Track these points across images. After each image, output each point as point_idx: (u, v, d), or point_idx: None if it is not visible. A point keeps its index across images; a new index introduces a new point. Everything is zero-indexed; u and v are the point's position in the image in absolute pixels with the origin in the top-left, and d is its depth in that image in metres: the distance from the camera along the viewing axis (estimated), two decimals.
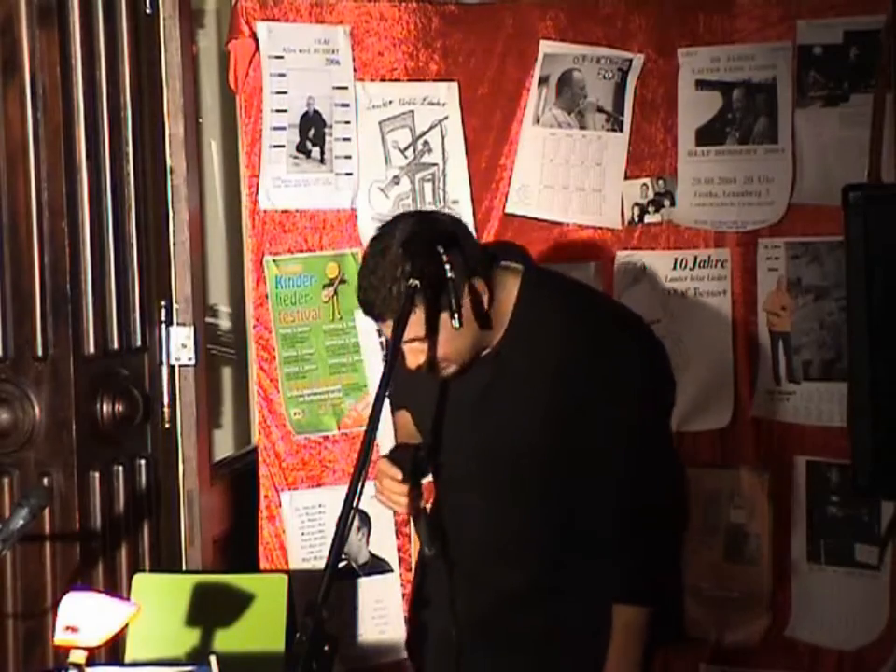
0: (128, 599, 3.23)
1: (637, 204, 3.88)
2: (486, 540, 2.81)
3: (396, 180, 3.83)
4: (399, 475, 2.68)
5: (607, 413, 2.69)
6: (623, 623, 2.75)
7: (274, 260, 3.73)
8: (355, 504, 2.41)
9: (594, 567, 2.75)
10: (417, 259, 2.58)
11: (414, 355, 2.66)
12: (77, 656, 2.24)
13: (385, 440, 3.77)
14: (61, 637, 2.26)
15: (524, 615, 2.80)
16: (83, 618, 2.25)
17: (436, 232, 2.64)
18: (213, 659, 2.50)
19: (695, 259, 3.85)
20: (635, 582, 2.76)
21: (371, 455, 2.48)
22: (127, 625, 3.05)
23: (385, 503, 2.73)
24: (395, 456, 2.74)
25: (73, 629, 2.24)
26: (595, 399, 2.68)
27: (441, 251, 2.59)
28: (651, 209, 3.88)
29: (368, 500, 3.66)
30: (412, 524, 3.00)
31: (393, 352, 2.58)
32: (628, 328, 2.81)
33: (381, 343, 3.78)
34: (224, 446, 4.45)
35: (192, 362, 3.64)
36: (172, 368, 3.63)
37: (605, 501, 2.72)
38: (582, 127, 3.89)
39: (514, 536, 2.79)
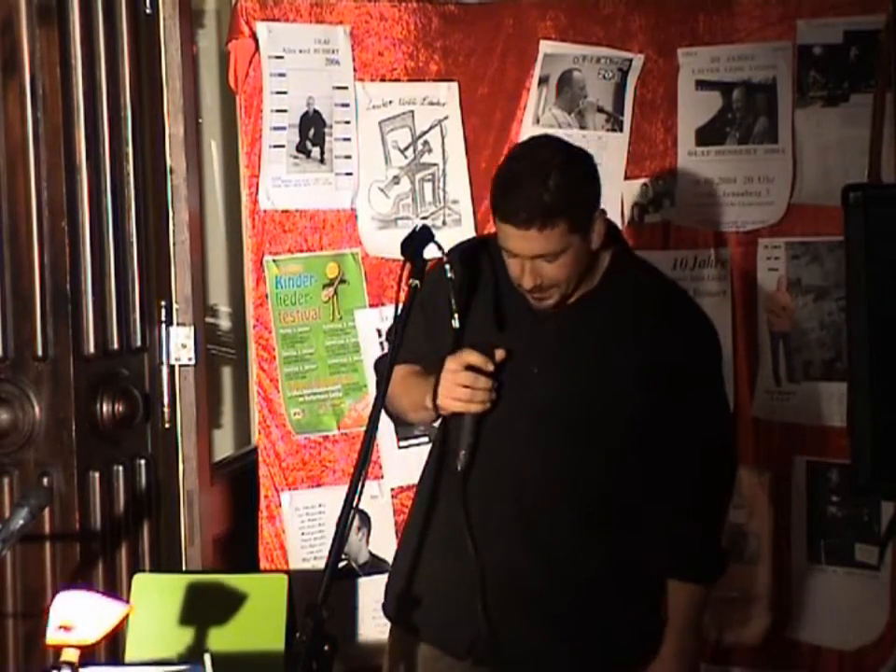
0: (127, 599, 3.24)
1: (636, 204, 3.88)
2: (537, 483, 2.74)
3: (396, 180, 3.83)
4: (491, 365, 2.65)
5: (690, 383, 2.74)
6: (689, 602, 2.81)
7: (274, 260, 3.73)
8: (355, 504, 2.41)
9: (643, 541, 2.76)
10: (418, 260, 2.59)
11: (534, 275, 2.63)
12: (70, 655, 2.23)
13: (386, 439, 3.79)
14: (53, 636, 2.25)
15: (564, 574, 2.76)
16: (76, 617, 2.25)
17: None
18: (207, 658, 2.50)
19: (695, 258, 3.85)
20: (704, 560, 2.81)
21: (370, 455, 2.48)
22: (126, 625, 3.07)
23: (459, 399, 2.65)
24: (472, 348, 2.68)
25: (66, 628, 2.24)
26: (679, 369, 2.72)
27: (441, 251, 2.59)
28: (650, 209, 3.88)
29: (368, 500, 3.68)
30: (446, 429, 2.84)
31: (395, 348, 2.57)
32: (702, 313, 2.91)
33: (380, 343, 3.78)
34: (224, 446, 4.45)
35: (192, 362, 3.64)
36: (172, 368, 3.63)
37: (677, 470, 2.75)
38: (582, 127, 3.89)
39: (569, 483, 2.74)
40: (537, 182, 2.57)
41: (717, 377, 2.87)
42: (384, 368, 2.60)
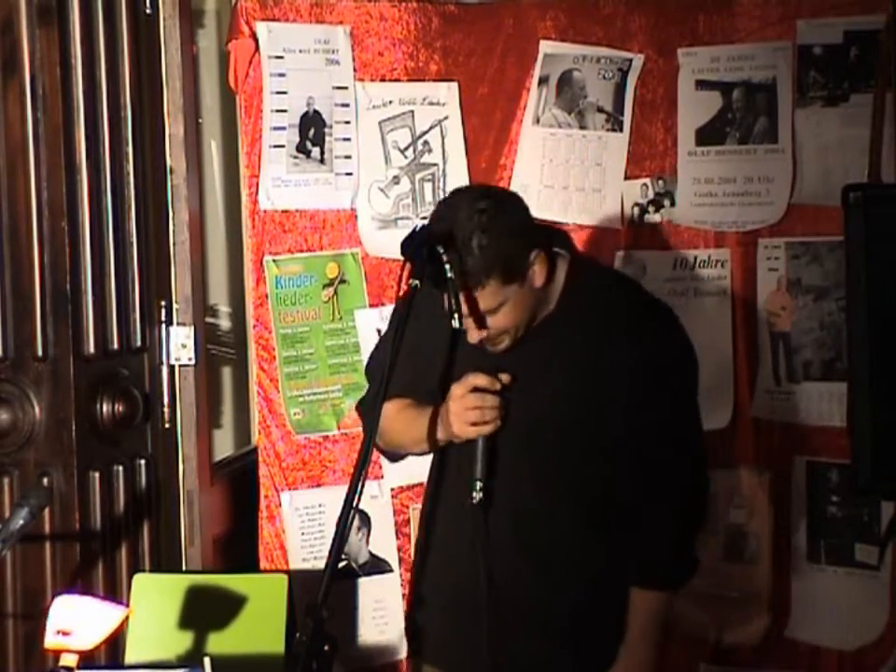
0: (127, 599, 3.24)
1: (637, 204, 3.88)
2: (531, 504, 2.79)
3: (396, 180, 3.83)
4: (497, 384, 2.66)
5: (652, 395, 2.75)
6: (646, 608, 2.80)
7: (274, 260, 3.73)
8: (355, 504, 2.41)
9: (616, 549, 2.79)
10: (418, 260, 2.59)
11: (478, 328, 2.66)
12: (68, 660, 2.23)
13: None
14: (52, 641, 2.25)
15: (564, 581, 2.80)
16: (74, 621, 2.24)
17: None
18: (206, 660, 2.50)
19: (695, 258, 3.85)
20: (665, 568, 2.82)
21: (370, 455, 2.48)
22: (126, 625, 3.07)
23: (472, 423, 2.66)
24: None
25: (64, 632, 2.24)
26: (642, 381, 2.73)
27: (441, 251, 2.60)
28: (650, 209, 3.88)
29: (368, 500, 3.68)
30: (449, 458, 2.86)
31: (395, 349, 2.57)
32: (667, 314, 2.88)
33: None
34: (224, 446, 4.45)
35: (192, 362, 3.64)
36: (172, 368, 3.63)
37: (641, 480, 2.77)
38: (582, 127, 3.89)
39: (562, 498, 2.78)
40: (460, 247, 2.58)
41: (683, 385, 2.84)
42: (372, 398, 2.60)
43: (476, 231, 2.58)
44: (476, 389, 2.68)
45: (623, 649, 2.82)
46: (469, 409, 2.67)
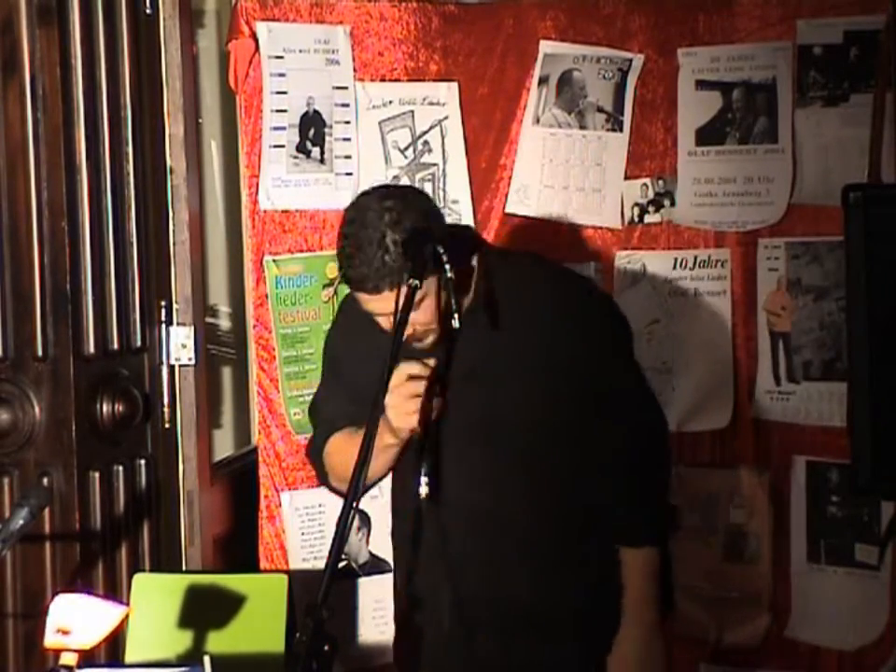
0: (127, 599, 3.24)
1: (637, 204, 3.88)
2: (479, 509, 2.79)
3: (396, 180, 3.83)
4: (428, 370, 2.64)
5: (595, 365, 2.78)
6: (639, 566, 2.80)
7: (274, 260, 3.73)
8: (355, 504, 2.41)
9: (592, 535, 2.81)
10: (418, 261, 2.59)
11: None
12: (68, 658, 2.23)
13: None
14: (52, 640, 2.25)
15: (521, 589, 2.80)
16: (74, 620, 2.24)
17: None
18: (206, 659, 2.50)
19: (695, 259, 3.85)
20: (648, 523, 2.82)
21: (371, 455, 2.48)
22: (126, 625, 3.07)
23: (412, 412, 2.63)
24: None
25: (64, 631, 2.23)
26: (580, 355, 2.76)
27: (441, 251, 2.60)
28: (650, 209, 3.88)
29: (368, 500, 3.68)
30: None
31: (393, 356, 2.57)
32: (586, 284, 2.95)
33: None
34: (224, 446, 4.45)
35: (192, 362, 3.64)
36: (172, 368, 3.63)
37: (607, 449, 2.78)
38: (582, 127, 3.90)
39: (509, 501, 2.78)
40: (375, 247, 2.58)
41: (615, 347, 2.86)
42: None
43: (388, 228, 2.59)
44: (410, 378, 2.66)
45: (625, 614, 2.81)
46: (406, 398, 2.64)
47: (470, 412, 2.76)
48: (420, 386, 2.64)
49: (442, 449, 2.76)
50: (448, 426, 2.76)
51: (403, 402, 2.64)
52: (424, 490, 2.66)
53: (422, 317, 2.66)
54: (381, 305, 2.64)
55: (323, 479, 2.96)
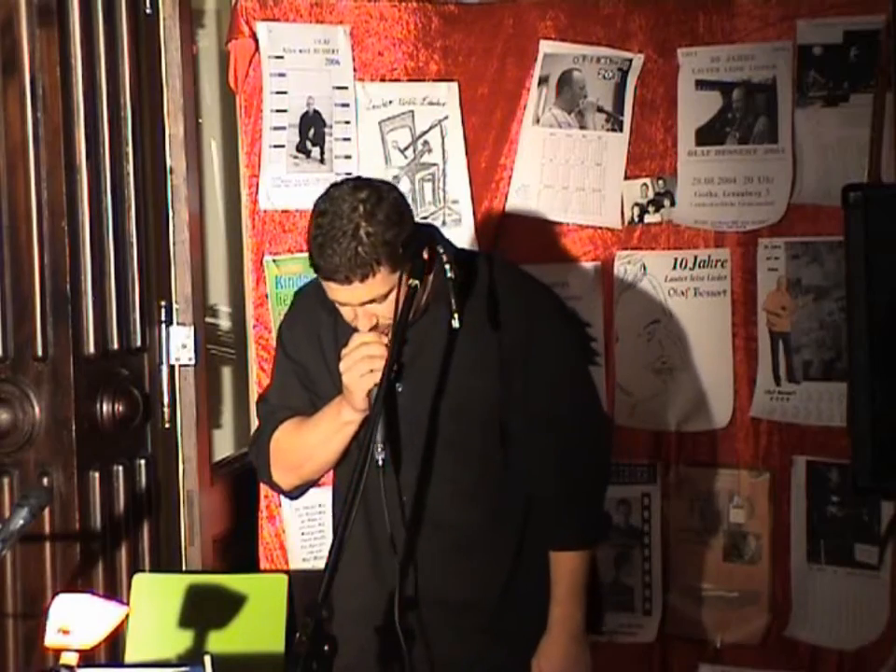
0: (127, 599, 3.23)
1: (637, 204, 3.88)
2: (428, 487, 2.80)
3: (396, 180, 3.82)
4: (384, 338, 2.64)
5: (541, 363, 2.78)
6: (569, 569, 2.83)
7: (274, 260, 3.73)
8: (355, 504, 2.41)
9: (528, 537, 2.83)
10: (418, 261, 2.59)
11: (368, 317, 2.66)
12: (69, 658, 2.23)
13: None
14: (52, 640, 2.25)
15: (461, 587, 2.82)
16: (75, 620, 2.24)
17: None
18: (207, 659, 2.50)
19: (695, 258, 3.85)
20: (581, 528, 2.84)
21: (371, 455, 2.48)
22: (126, 625, 3.06)
23: (365, 373, 2.62)
24: None
25: (65, 631, 2.23)
26: (525, 356, 2.77)
27: (441, 251, 2.59)
28: (651, 209, 3.88)
29: None
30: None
31: (393, 356, 2.57)
32: (535, 283, 2.93)
33: None
34: (224, 446, 4.44)
35: (192, 362, 3.64)
36: (172, 368, 3.63)
37: (547, 451, 2.78)
38: (582, 127, 3.90)
39: (448, 498, 2.80)
40: (348, 238, 2.58)
41: (559, 347, 2.85)
42: None
43: (361, 219, 2.59)
44: (364, 344, 2.66)
45: (553, 610, 2.83)
46: (360, 359, 2.64)
47: (416, 406, 2.76)
48: (374, 349, 2.64)
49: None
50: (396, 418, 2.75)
51: (355, 365, 2.64)
52: (381, 456, 2.59)
53: (386, 310, 2.65)
54: (349, 295, 2.64)
55: (264, 473, 2.92)
